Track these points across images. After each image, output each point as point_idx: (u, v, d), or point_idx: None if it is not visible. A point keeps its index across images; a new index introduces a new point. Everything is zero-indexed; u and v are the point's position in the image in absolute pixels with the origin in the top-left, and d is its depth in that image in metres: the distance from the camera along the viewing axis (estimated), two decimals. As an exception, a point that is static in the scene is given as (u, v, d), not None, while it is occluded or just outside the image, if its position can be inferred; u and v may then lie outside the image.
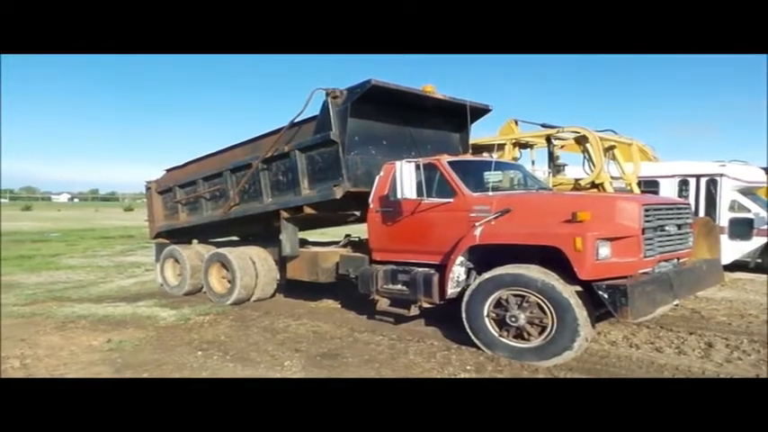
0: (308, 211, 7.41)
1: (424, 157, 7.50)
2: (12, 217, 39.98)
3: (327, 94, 6.80)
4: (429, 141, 8.09)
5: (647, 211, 5.35)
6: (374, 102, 6.95)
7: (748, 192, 11.44)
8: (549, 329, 5.23)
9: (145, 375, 5.13)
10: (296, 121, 7.35)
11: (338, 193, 6.82)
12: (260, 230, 9.08)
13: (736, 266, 11.00)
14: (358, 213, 7.62)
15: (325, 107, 6.91)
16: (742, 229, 11.00)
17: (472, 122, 8.12)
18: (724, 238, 10.40)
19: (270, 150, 7.71)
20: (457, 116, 8.08)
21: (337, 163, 6.86)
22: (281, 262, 8.47)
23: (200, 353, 5.85)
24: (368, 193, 6.98)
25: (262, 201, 8.08)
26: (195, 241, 9.94)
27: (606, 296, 4.95)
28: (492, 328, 5.59)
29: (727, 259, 10.12)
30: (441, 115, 8.09)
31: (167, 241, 10.12)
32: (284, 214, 7.68)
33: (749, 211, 11.11)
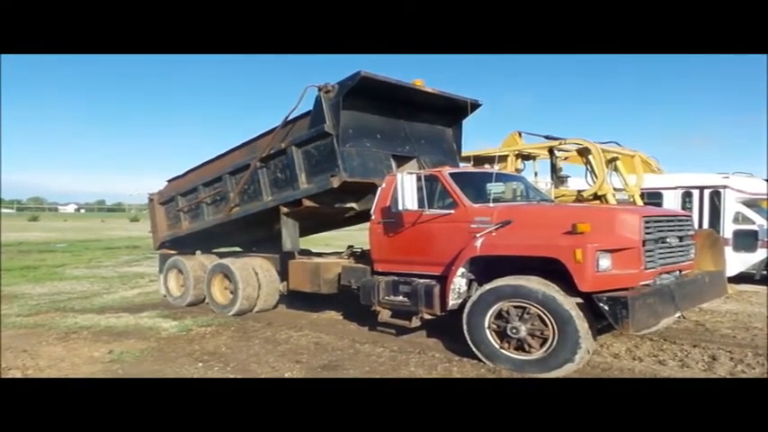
0: (306, 204, 7.46)
1: (418, 150, 7.60)
2: (19, 227, 40.18)
3: (319, 90, 6.92)
4: (423, 136, 8.19)
5: (647, 222, 5.36)
6: (366, 95, 7.06)
7: (753, 204, 11.39)
8: (550, 341, 5.21)
9: (145, 386, 5.14)
10: (290, 118, 7.47)
11: (335, 182, 6.91)
12: (262, 235, 9.14)
13: (742, 278, 10.92)
14: (356, 206, 7.73)
15: (318, 102, 7.03)
16: (747, 241, 10.94)
17: (464, 117, 8.28)
18: (728, 250, 10.33)
19: (266, 149, 7.80)
20: (448, 112, 8.26)
21: (333, 154, 6.95)
22: (284, 273, 8.50)
23: (200, 364, 5.85)
24: (364, 185, 7.08)
25: (261, 199, 8.15)
26: (199, 252, 9.98)
27: (607, 308, 4.94)
28: (493, 340, 5.58)
29: (732, 271, 10.06)
30: (432, 111, 8.20)
31: (171, 252, 10.16)
32: (284, 209, 7.75)
33: (753, 222, 11.05)
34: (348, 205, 7.78)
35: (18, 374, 5.44)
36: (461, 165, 8.99)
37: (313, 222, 8.63)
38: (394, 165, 7.64)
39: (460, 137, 8.64)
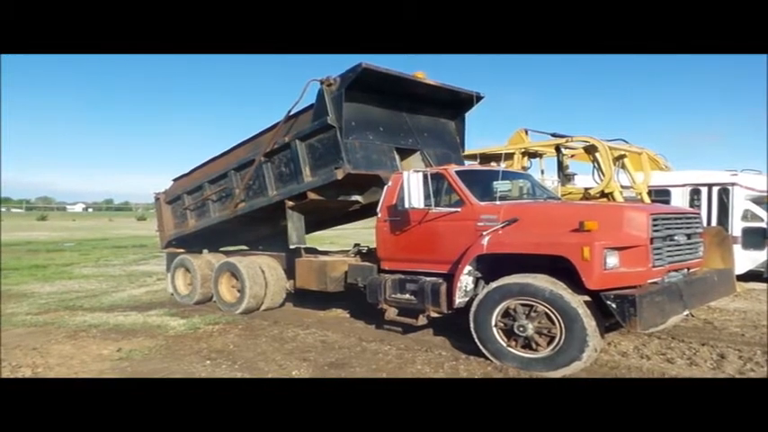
0: (312, 196, 7.49)
1: (422, 143, 7.68)
2: (27, 227, 40.56)
3: (321, 83, 6.96)
4: (425, 129, 8.19)
5: (655, 220, 5.33)
6: (368, 88, 7.09)
7: (761, 201, 11.29)
8: (557, 340, 5.20)
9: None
10: (293, 112, 7.52)
11: (339, 174, 6.94)
12: (268, 232, 9.19)
13: (750, 276, 10.84)
14: (360, 199, 7.78)
15: (320, 95, 7.07)
16: (755, 238, 10.85)
17: (467, 110, 8.31)
18: (737, 247, 10.26)
19: (270, 144, 7.84)
20: (451, 105, 8.29)
21: (336, 147, 6.98)
22: (291, 271, 8.52)
23: (208, 362, 5.88)
24: (368, 177, 7.11)
25: (267, 194, 8.18)
26: (205, 251, 10.02)
27: (614, 306, 4.91)
28: (500, 338, 5.57)
29: (740, 269, 9.98)
30: (435, 104, 8.22)
31: (178, 251, 10.20)
32: (289, 203, 7.78)
33: (762, 220, 10.97)
34: (353, 198, 7.83)
35: (28, 372, 5.49)
36: (468, 163, 8.99)
37: (318, 217, 8.67)
38: (397, 157, 7.65)
39: (464, 130, 8.66)
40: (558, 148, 9.99)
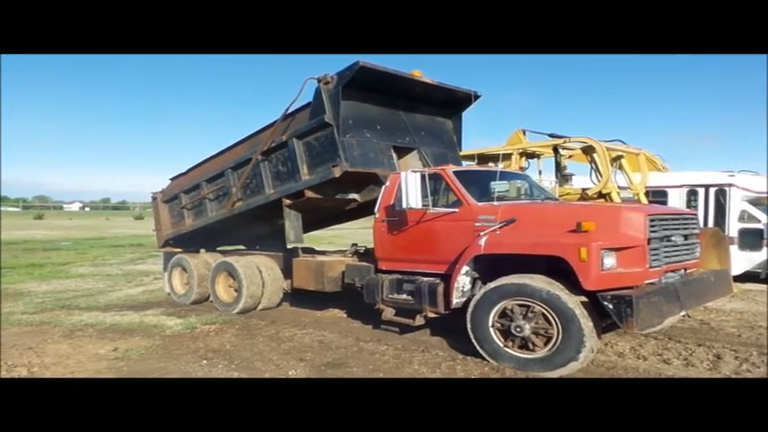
0: (309, 194, 7.48)
1: (419, 142, 7.70)
2: (24, 226, 40.45)
3: (319, 81, 6.96)
4: (422, 128, 8.20)
5: (652, 221, 5.34)
6: (365, 87, 7.10)
7: (758, 202, 11.33)
8: (554, 340, 5.20)
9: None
10: (290, 110, 7.52)
11: (337, 172, 6.93)
12: (265, 231, 9.17)
13: (747, 277, 10.88)
14: (357, 197, 7.77)
15: (317, 93, 7.08)
16: (752, 239, 10.89)
17: (464, 109, 8.31)
18: (734, 248, 10.30)
19: (268, 142, 7.83)
20: (448, 104, 8.30)
21: (333, 144, 6.98)
22: (288, 271, 8.51)
23: (205, 362, 5.87)
24: (366, 175, 7.12)
25: (264, 192, 8.16)
26: (203, 250, 10.00)
27: (611, 307, 4.92)
28: (497, 339, 5.57)
29: (737, 270, 10.01)
30: (432, 102, 8.23)
31: (175, 250, 10.18)
32: (286, 201, 7.77)
33: (759, 221, 11.00)
34: (350, 196, 7.83)
35: (24, 372, 5.47)
36: (465, 163, 8.99)
37: (315, 216, 8.66)
38: (395, 156, 7.65)
39: (461, 129, 8.68)
40: (555, 149, 10.02)
